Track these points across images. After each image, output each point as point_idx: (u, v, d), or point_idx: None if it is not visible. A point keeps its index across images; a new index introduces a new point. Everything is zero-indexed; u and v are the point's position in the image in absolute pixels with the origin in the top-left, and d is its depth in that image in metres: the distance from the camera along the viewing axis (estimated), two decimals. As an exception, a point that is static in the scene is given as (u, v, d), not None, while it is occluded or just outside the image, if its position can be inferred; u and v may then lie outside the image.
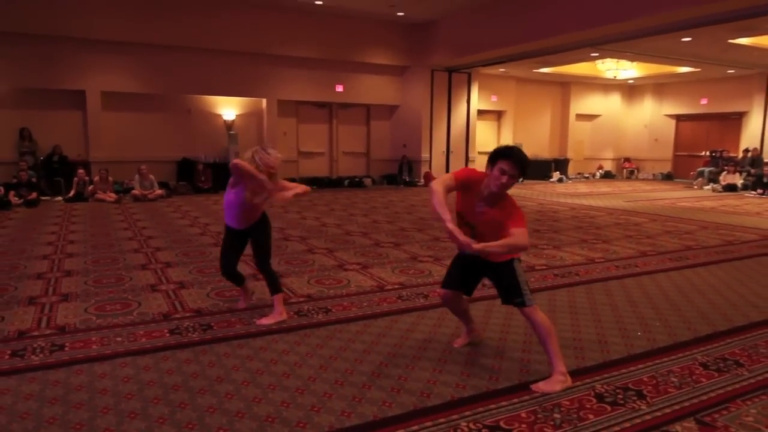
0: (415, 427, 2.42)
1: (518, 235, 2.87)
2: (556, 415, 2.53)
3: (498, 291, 3.14)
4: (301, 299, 4.30)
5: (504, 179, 2.85)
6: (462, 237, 2.78)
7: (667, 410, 2.60)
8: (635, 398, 2.71)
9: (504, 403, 2.65)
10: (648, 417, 2.53)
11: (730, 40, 11.66)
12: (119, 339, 3.42)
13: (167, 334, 3.51)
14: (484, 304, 4.20)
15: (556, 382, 2.82)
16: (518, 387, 2.82)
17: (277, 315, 3.80)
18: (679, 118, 18.59)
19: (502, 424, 2.46)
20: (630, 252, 6.25)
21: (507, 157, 2.86)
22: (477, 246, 2.78)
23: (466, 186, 3.04)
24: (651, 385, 2.86)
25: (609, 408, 2.60)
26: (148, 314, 3.90)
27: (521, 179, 2.95)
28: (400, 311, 4.04)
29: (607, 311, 4.10)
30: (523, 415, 2.54)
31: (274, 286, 3.87)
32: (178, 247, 6.27)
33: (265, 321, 3.74)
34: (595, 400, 2.68)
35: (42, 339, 3.41)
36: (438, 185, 2.94)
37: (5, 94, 11.63)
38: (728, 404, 2.67)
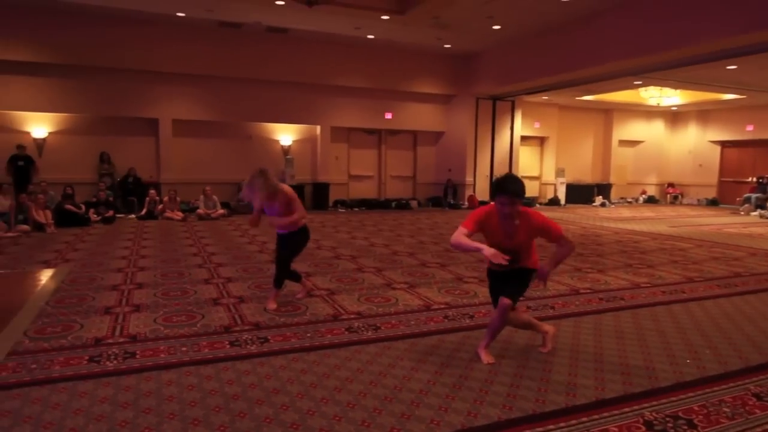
0: (462, 447, 2.36)
1: (564, 242, 3.34)
2: (605, 441, 2.42)
3: (504, 284, 3.39)
4: (352, 316, 4.30)
5: (506, 209, 3.13)
6: (502, 255, 3.04)
7: (720, 441, 2.44)
8: (686, 427, 2.56)
9: (551, 427, 2.55)
10: (700, 447, 2.39)
11: (777, 68, 11.15)
12: (184, 349, 3.50)
13: (228, 346, 3.57)
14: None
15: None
16: (565, 411, 2.72)
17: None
18: (724, 144, 17.83)
19: (549, 447, 2.37)
20: (676, 278, 5.98)
21: (499, 191, 3.14)
22: (545, 274, 3.40)
23: (483, 225, 3.29)
24: (702, 414, 2.70)
25: (659, 436, 2.47)
26: (210, 326, 3.98)
27: (521, 200, 3.17)
28: (446, 331, 3.98)
29: (654, 337, 3.91)
30: (571, 439, 2.44)
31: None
32: (239, 264, 6.41)
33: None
34: (644, 428, 2.55)
35: (116, 346, 3.53)
36: (457, 237, 3.19)
37: (88, 122, 12.32)
38: (785, 438, 2.49)
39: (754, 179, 16.08)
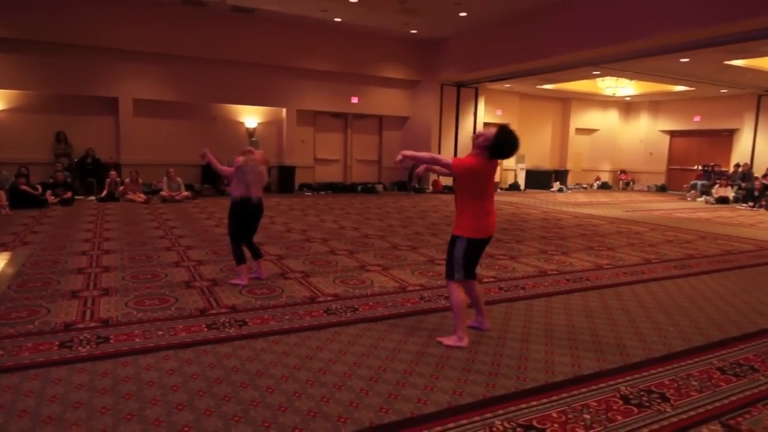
0: (451, 425, 2.36)
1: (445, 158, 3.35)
2: (586, 416, 2.47)
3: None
4: (329, 298, 4.24)
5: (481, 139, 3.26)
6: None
7: (692, 413, 2.53)
8: (659, 401, 2.64)
9: (534, 403, 2.58)
10: (675, 419, 2.46)
11: (726, 62, 11.57)
12: (160, 333, 3.37)
13: (205, 329, 3.46)
14: (503, 307, 4.14)
15: (449, 339, 3.33)
16: (546, 387, 2.76)
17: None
18: (673, 133, 18.48)
19: (535, 423, 2.39)
20: (635, 259, 6.17)
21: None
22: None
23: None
24: (673, 388, 2.79)
25: (635, 410, 2.53)
26: (185, 309, 3.85)
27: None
28: (423, 311, 3.98)
29: (621, 315, 4.02)
30: (554, 414, 2.47)
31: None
32: (208, 246, 6.23)
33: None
34: (621, 402, 2.61)
35: (87, 331, 3.36)
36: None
37: (44, 100, 11.66)
38: (750, 408, 2.60)
39: (700, 167, 16.76)
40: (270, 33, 13.00)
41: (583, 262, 5.94)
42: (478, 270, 5.23)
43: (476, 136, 3.37)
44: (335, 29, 13.54)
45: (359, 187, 14.83)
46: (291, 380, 2.75)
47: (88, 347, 3.11)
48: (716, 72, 12.66)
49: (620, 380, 2.86)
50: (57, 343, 3.16)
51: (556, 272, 5.39)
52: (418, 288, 4.63)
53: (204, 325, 3.53)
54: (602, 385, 2.80)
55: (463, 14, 11.96)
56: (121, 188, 10.92)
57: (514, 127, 17.15)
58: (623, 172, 19.28)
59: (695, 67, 12.09)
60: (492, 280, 4.99)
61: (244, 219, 4.62)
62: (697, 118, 17.39)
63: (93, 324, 3.50)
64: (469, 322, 3.52)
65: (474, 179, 3.28)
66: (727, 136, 16.85)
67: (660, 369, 3.04)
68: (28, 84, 11.24)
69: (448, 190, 15.12)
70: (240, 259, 4.61)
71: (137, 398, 2.51)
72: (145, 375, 2.77)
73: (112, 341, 3.21)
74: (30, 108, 11.58)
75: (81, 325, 3.47)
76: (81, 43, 11.29)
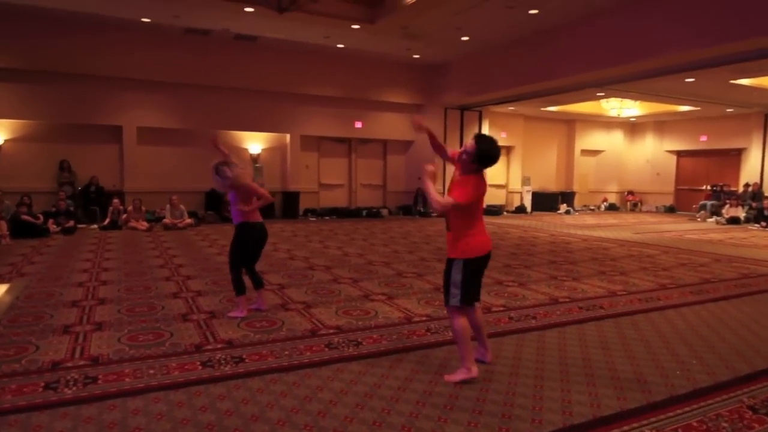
0: (462, 477, 2.15)
1: (444, 198, 3.12)
2: (610, 465, 2.24)
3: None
4: (331, 331, 4.05)
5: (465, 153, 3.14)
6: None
7: (727, 461, 2.30)
8: (689, 446, 2.41)
9: (552, 450, 2.36)
10: (708, 468, 2.24)
11: (732, 81, 11.46)
12: (152, 371, 3.19)
13: (200, 367, 3.27)
14: (514, 338, 3.93)
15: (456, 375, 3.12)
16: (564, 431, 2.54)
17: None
18: (679, 153, 18.31)
19: (554, 474, 2.17)
20: (649, 285, 5.94)
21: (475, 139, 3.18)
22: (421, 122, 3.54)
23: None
24: (702, 431, 2.56)
25: (664, 457, 2.31)
26: (180, 345, 3.67)
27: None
28: (430, 345, 3.77)
29: (639, 347, 3.80)
30: (575, 464, 2.26)
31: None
32: (208, 276, 6.06)
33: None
34: (647, 448, 2.39)
35: (75, 371, 3.18)
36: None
37: (48, 129, 11.68)
38: (789, 454, 2.37)
39: (709, 187, 16.55)
40: (273, 60, 13.05)
41: (595, 288, 5.72)
42: (488, 298, 5.06)
43: (460, 154, 3.23)
44: (338, 55, 13.58)
45: (364, 212, 14.69)
46: (288, 426, 2.55)
47: (74, 389, 2.92)
48: (722, 91, 12.55)
49: (644, 422, 2.64)
50: (42, 384, 2.98)
51: (567, 300, 5.17)
52: (424, 319, 4.43)
53: (198, 363, 3.34)
54: (625, 428, 2.58)
55: (465, 38, 11.97)
56: (124, 216, 10.82)
57: (519, 149, 17.24)
58: (630, 193, 19.07)
59: (701, 86, 11.98)
60: (501, 309, 4.78)
61: (252, 246, 4.46)
62: (703, 138, 17.24)
63: (82, 362, 3.32)
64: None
65: (479, 200, 3.17)
66: (735, 156, 16.66)
67: (686, 408, 2.81)
68: (32, 113, 11.26)
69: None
70: (240, 290, 4.44)
71: (121, 448, 2.32)
72: (131, 420, 2.57)
73: (100, 381, 3.03)
74: (34, 137, 11.59)
75: (69, 364, 3.29)
76: (85, 72, 11.34)
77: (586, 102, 15.27)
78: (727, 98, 13.49)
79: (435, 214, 14.87)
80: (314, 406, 2.77)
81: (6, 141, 11.33)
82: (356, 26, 10.90)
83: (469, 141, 3.18)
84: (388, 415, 2.67)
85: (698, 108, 15.24)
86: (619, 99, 14.73)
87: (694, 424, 2.64)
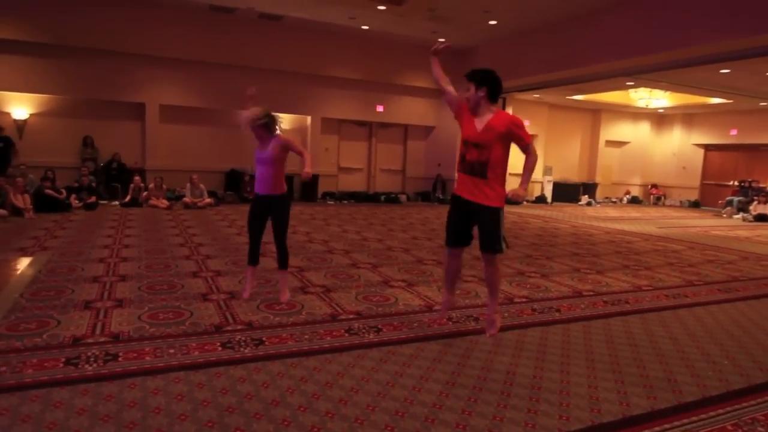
0: (487, 473, 2.08)
1: (531, 150, 3.32)
2: (642, 468, 2.16)
3: (480, 235, 3.42)
4: (351, 316, 4.00)
5: (468, 94, 3.33)
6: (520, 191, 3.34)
7: (765, 469, 2.20)
8: (725, 451, 2.32)
9: (581, 449, 2.29)
10: (745, 476, 2.14)
11: (768, 73, 11.06)
12: (172, 351, 3.17)
13: (219, 348, 3.25)
14: (538, 331, 3.83)
15: (498, 321, 3.58)
16: (593, 430, 2.45)
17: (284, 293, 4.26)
18: (707, 147, 17.84)
19: (583, 475, 2.10)
20: (676, 281, 5.78)
21: (467, 78, 3.36)
22: (519, 196, 3.35)
23: (460, 109, 3.47)
24: (738, 435, 2.46)
25: (698, 462, 2.22)
26: (200, 325, 3.65)
27: (484, 87, 3.33)
28: (451, 334, 3.70)
29: (668, 345, 3.68)
30: (605, 465, 2.18)
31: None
32: (227, 256, 6.05)
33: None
34: (681, 452, 2.30)
35: (96, 347, 3.18)
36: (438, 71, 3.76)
37: (72, 104, 11.76)
38: (831, 465, 2.26)
39: (737, 183, 16.12)
40: (297, 40, 12.93)
41: (620, 282, 5.58)
42: (510, 289, 4.97)
43: (466, 99, 3.38)
44: (362, 37, 13.41)
45: (382, 197, 14.61)
46: (309, 412, 2.51)
47: (94, 365, 2.91)
48: (758, 84, 12.13)
49: (676, 423, 2.55)
50: (63, 359, 2.98)
51: (592, 293, 5.05)
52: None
53: (218, 344, 3.32)
54: (656, 429, 2.49)
55: (492, 22, 11.71)
56: (145, 194, 10.89)
57: (542, 138, 16.95)
58: (654, 186, 18.67)
59: (736, 78, 11.59)
60: (524, 300, 4.68)
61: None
62: (733, 132, 16.74)
63: (103, 339, 3.32)
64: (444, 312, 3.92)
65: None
66: (766, 151, 16.18)
67: (719, 411, 2.71)
68: (57, 89, 11.33)
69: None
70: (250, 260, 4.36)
71: (141, 428, 2.30)
72: (151, 400, 2.55)
73: (120, 359, 3.02)
74: (58, 112, 11.68)
75: (90, 340, 3.29)
76: (110, 48, 11.35)
77: (614, 91, 14.89)
78: (762, 91, 13.04)
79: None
80: (335, 392, 2.72)
81: (31, 115, 11.44)
82: (382, 7, 10.72)
83: (467, 92, 3.36)
84: (410, 405, 2.61)
85: (730, 101, 14.77)
86: (649, 89, 14.35)
87: (729, 427, 2.54)
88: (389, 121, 15.01)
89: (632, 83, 13.23)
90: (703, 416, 2.64)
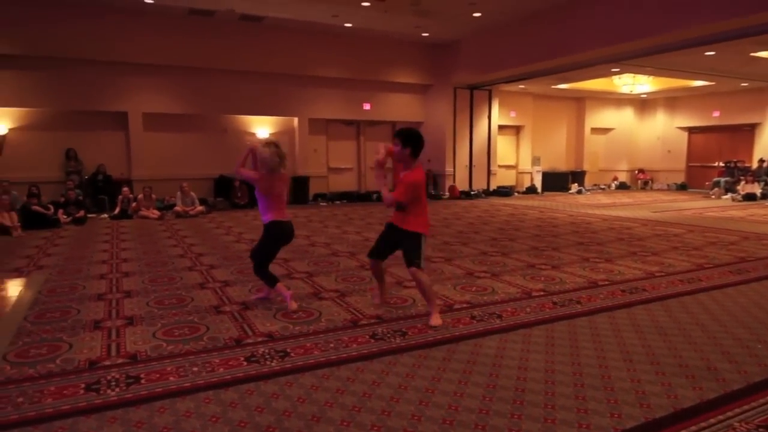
0: (554, 481, 1.99)
1: (388, 195, 3.79)
2: (709, 464, 2.09)
3: (404, 254, 3.86)
4: (372, 321, 3.89)
5: (395, 149, 3.83)
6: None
7: (831, 456, 2.15)
8: (786, 440, 2.26)
9: (642, 448, 2.21)
10: (815, 465, 2.08)
11: (753, 54, 11.17)
12: (195, 369, 3.02)
13: (244, 363, 3.11)
14: (564, 325, 3.76)
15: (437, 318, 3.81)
16: (647, 427, 2.38)
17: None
18: (691, 130, 18.04)
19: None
20: (686, 265, 5.77)
21: (395, 135, 3.90)
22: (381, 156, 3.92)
23: (396, 168, 4.00)
24: (793, 422, 2.41)
25: (763, 453, 2.16)
26: (218, 339, 3.50)
27: (408, 146, 3.80)
28: (479, 334, 3.61)
29: (698, 331, 3.64)
30: (671, 463, 2.10)
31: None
32: (231, 264, 5.89)
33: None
34: (743, 444, 2.24)
35: (115, 369, 3.02)
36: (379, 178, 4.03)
37: (52, 117, 11.42)
38: None
39: (722, 164, 16.33)
40: (279, 41, 12.73)
41: (631, 269, 5.55)
42: (525, 282, 4.90)
43: (391, 152, 3.87)
44: (345, 35, 13.26)
45: (374, 196, 14.47)
46: (353, 426, 2.39)
47: (117, 390, 2.76)
48: (741, 65, 12.26)
49: (730, 414, 2.48)
50: (83, 385, 2.82)
51: (607, 282, 5.00)
52: (465, 305, 4.27)
53: (242, 358, 3.18)
54: (712, 420, 2.42)
55: (477, 14, 11.64)
56: (134, 205, 10.62)
57: (528, 129, 16.98)
58: (641, 171, 18.84)
59: (720, 60, 11.69)
60: (542, 293, 4.62)
61: (281, 245, 4.31)
62: (716, 114, 16.95)
63: (120, 360, 3.16)
64: (376, 300, 4.28)
65: (424, 187, 3.84)
66: (749, 131, 16.41)
67: (768, 397, 2.66)
68: (35, 101, 10.99)
69: (465, 195, 14.76)
70: (274, 280, 4.26)
71: (181, 456, 2.16)
72: (185, 424, 2.41)
73: (143, 381, 2.87)
74: (39, 126, 11.33)
75: (107, 362, 3.13)
76: (89, 57, 11.04)
77: (598, 79, 14.95)
78: (744, 72, 13.18)
79: (447, 196, 14.67)
80: (375, 403, 2.61)
81: (10, 130, 11.08)
82: (366, 3, 10.58)
83: (389, 146, 3.89)
84: (456, 413, 2.51)
85: (712, 83, 14.94)
86: (633, 75, 14.43)
87: (783, 415, 2.48)
88: (377, 118, 14.89)
89: (618, 69, 13.28)
90: (754, 404, 2.59)
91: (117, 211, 10.50)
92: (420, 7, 11.04)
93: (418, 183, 3.77)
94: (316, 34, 12.98)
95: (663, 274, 5.36)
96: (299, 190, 13.47)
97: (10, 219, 8.39)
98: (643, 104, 19.04)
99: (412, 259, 3.79)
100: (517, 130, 17.44)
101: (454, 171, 15.13)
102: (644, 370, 2.99)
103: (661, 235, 7.95)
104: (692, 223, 9.20)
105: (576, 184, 17.05)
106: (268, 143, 4.24)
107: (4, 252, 6.89)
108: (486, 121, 15.48)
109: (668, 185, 18.05)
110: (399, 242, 3.91)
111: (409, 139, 3.79)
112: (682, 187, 17.64)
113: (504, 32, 12.53)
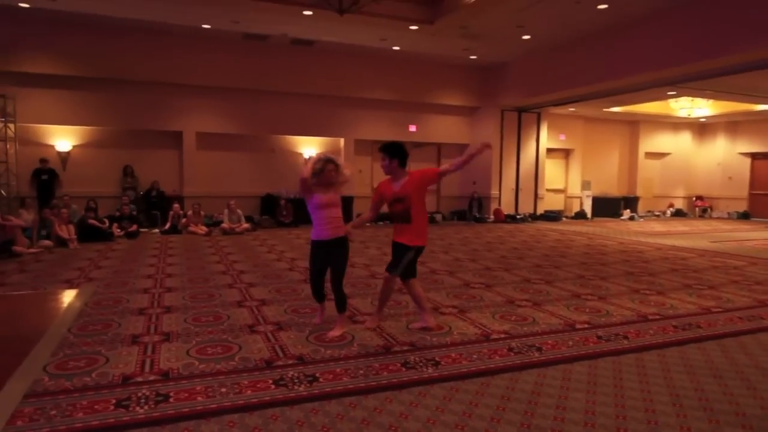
0: None
1: (447, 168, 4.03)
2: None
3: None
4: (405, 348, 3.78)
5: (383, 163, 4.05)
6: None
7: None
8: None
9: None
10: None
11: (822, 76, 10.51)
12: (224, 390, 3.01)
13: (272, 386, 3.07)
14: (609, 362, 3.53)
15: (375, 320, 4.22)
16: (698, 482, 2.16)
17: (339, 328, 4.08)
18: (754, 156, 17.10)
19: None
20: (746, 300, 5.38)
21: (379, 150, 4.09)
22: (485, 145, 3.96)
23: (381, 192, 4.26)
24: None
25: None
26: (250, 360, 3.49)
27: (396, 158, 4.01)
28: (516, 367, 3.44)
29: (758, 375, 3.34)
30: None
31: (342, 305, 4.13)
32: (270, 283, 5.93)
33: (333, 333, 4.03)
34: None
35: (146, 387, 3.04)
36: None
37: (112, 135, 12.02)
38: None
39: (789, 192, 15.34)
40: (328, 64, 13.00)
41: (685, 304, 5.21)
42: (569, 313, 4.68)
43: (383, 166, 4.08)
44: (393, 58, 13.40)
45: (418, 217, 14.37)
46: (376, 461, 2.29)
47: (146, 407, 2.77)
48: (810, 88, 11.56)
49: (793, 474, 2.23)
50: (113, 401, 2.85)
51: (658, 317, 4.71)
52: (503, 336, 4.10)
53: (271, 381, 3.14)
54: (772, 480, 2.18)
55: (526, 37, 11.53)
56: (184, 220, 10.96)
57: (579, 152, 16.54)
58: (699, 198, 17.96)
59: (786, 83, 11.06)
60: (587, 326, 4.38)
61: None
62: (782, 139, 16.01)
63: (152, 377, 3.18)
64: (416, 325, 4.25)
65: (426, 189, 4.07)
66: (819, 158, 15.38)
67: (839, 457, 2.38)
68: (97, 120, 11.61)
69: (510, 219, 14.46)
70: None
71: (199, 482, 2.12)
72: (208, 448, 2.38)
73: (172, 400, 2.87)
74: (99, 143, 11.95)
75: (140, 378, 3.16)
76: (146, 79, 11.61)
77: (653, 102, 14.45)
78: (813, 96, 12.43)
79: (491, 220, 14.41)
80: (401, 437, 2.50)
81: (73, 147, 11.73)
82: (414, 27, 10.67)
83: (383, 161, 4.06)
84: (486, 453, 2.37)
85: (777, 107, 14.16)
86: (690, 98, 13.86)
87: None
88: (422, 140, 14.88)
89: (674, 93, 12.80)
90: (822, 464, 2.32)
91: (168, 226, 10.86)
92: (468, 30, 11.04)
93: (426, 174, 4.03)
94: (364, 57, 13.19)
95: (720, 310, 5.00)
96: (344, 209, 13.48)
97: (68, 232, 8.81)
98: (702, 128, 18.23)
99: (391, 264, 4.12)
100: (566, 153, 17.03)
101: (500, 194, 14.87)
102: (695, 417, 2.75)
103: (719, 267, 7.48)
104: (755, 255, 8.62)
105: (628, 210, 16.41)
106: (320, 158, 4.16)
107: (59, 263, 7.22)
108: (534, 143, 15.20)
109: (729, 213, 17.11)
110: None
111: (395, 151, 4.00)
112: (744, 216, 16.67)
113: (553, 55, 12.33)
